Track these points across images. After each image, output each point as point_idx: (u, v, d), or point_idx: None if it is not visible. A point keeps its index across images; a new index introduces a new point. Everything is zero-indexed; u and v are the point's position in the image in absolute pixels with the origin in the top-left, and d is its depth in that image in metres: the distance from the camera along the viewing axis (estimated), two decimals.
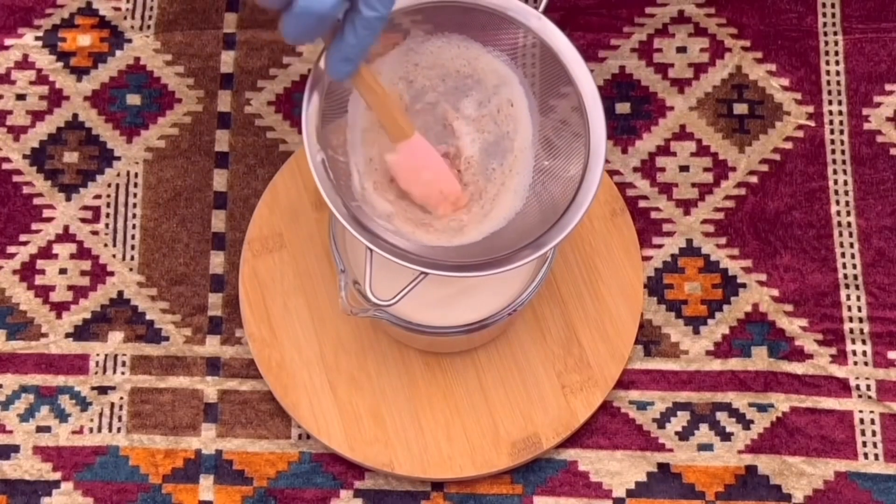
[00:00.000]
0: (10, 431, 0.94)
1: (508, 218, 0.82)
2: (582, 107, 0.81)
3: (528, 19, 0.82)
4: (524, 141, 0.83)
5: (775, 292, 0.96)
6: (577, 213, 0.79)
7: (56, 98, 1.01)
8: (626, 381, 0.95)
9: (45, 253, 0.98)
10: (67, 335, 0.96)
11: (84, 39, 1.03)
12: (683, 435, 0.94)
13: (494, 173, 0.83)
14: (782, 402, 0.94)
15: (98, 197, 0.99)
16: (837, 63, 1.01)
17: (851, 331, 0.95)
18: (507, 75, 0.83)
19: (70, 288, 0.97)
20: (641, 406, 0.94)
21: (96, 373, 0.95)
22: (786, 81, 1.01)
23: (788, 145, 1.00)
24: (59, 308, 0.97)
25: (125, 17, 1.03)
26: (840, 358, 0.95)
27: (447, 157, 0.83)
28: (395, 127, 0.79)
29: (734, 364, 0.95)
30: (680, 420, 0.94)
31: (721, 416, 0.94)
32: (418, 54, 0.82)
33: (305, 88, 0.79)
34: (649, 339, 0.96)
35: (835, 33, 1.02)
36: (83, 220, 0.99)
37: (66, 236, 0.98)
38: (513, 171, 0.83)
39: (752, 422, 0.94)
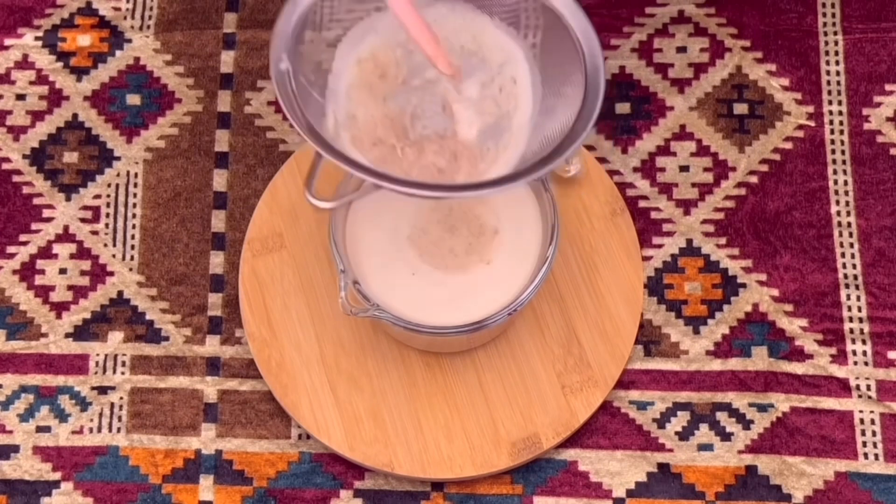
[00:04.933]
0: (10, 431, 0.94)
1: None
2: (581, 58, 0.78)
3: None
4: (523, 118, 0.80)
5: (775, 292, 0.96)
6: (567, 149, 0.76)
7: (56, 98, 1.01)
8: (626, 381, 0.95)
9: (45, 253, 0.98)
10: (67, 335, 0.96)
11: (84, 39, 1.03)
12: (683, 435, 0.94)
13: (489, 152, 0.80)
14: (782, 402, 0.94)
15: (98, 197, 0.99)
16: (837, 63, 1.01)
17: (851, 331, 0.95)
18: (512, 51, 0.80)
19: (70, 288, 0.97)
20: (641, 406, 0.94)
21: (96, 373, 0.95)
22: (786, 81, 1.01)
23: (788, 145, 1.00)
24: (59, 308, 0.97)
25: (125, 17, 1.03)
26: (840, 358, 0.95)
27: (444, 138, 0.80)
28: None
29: (734, 364, 0.95)
30: (680, 420, 0.94)
31: (721, 416, 0.94)
32: None
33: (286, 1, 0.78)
34: (649, 339, 0.96)
35: (835, 33, 1.02)
36: (83, 220, 0.99)
37: (65, 236, 0.98)
38: (507, 147, 0.80)
39: (752, 422, 0.94)
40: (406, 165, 0.79)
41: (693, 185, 0.99)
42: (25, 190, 0.99)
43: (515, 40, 0.80)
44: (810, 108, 1.00)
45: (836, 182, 0.99)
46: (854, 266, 0.97)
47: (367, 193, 0.78)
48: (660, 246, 0.98)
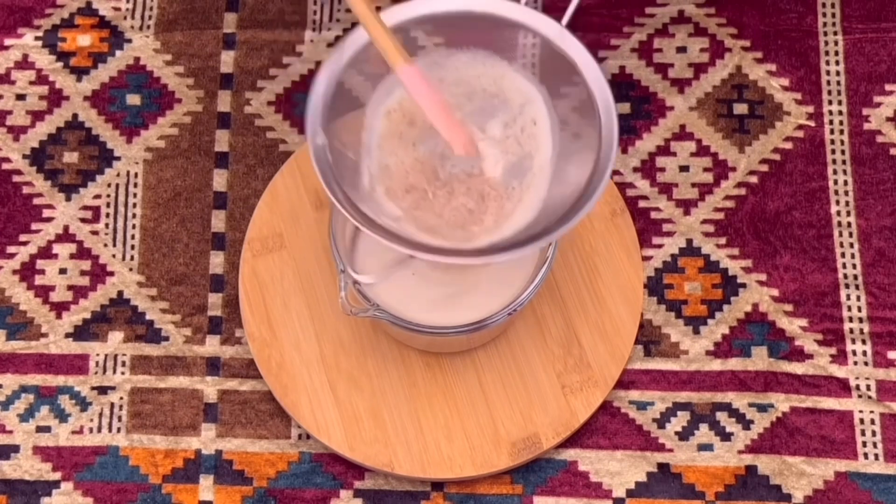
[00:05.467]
0: (10, 431, 0.94)
1: (518, 230, 0.81)
2: (596, 114, 0.80)
3: (547, 31, 0.81)
4: (544, 158, 0.82)
5: (775, 292, 0.96)
6: (581, 210, 0.78)
7: (56, 98, 1.01)
8: (626, 381, 0.95)
9: (45, 253, 0.98)
10: (67, 335, 0.96)
11: (84, 39, 1.03)
12: (683, 435, 0.94)
13: (514, 192, 0.82)
14: (782, 402, 0.94)
15: (98, 197, 0.99)
16: (837, 63, 1.01)
17: (851, 331, 0.95)
18: (531, 94, 0.82)
19: (70, 288, 0.97)
20: (641, 406, 0.94)
21: (96, 373, 0.95)
22: (786, 81, 1.01)
23: (788, 145, 1.00)
24: (59, 308, 0.97)
25: (125, 17, 1.03)
26: (840, 358, 0.95)
27: (471, 176, 0.82)
28: (387, 52, 0.78)
29: (734, 364, 0.95)
30: (680, 420, 0.94)
31: (721, 416, 0.94)
32: (443, 69, 0.81)
33: (317, 75, 0.79)
34: (649, 339, 0.96)
35: (835, 33, 1.02)
36: (83, 220, 0.99)
37: (66, 236, 0.98)
38: (530, 187, 0.82)
39: (752, 422, 0.94)
40: (438, 208, 0.81)
41: (693, 185, 0.99)
42: (25, 190, 0.99)
43: (534, 84, 0.82)
44: (810, 108, 1.00)
45: (836, 182, 0.99)
46: (854, 266, 0.97)
47: (406, 263, 0.80)
48: (660, 246, 0.98)
